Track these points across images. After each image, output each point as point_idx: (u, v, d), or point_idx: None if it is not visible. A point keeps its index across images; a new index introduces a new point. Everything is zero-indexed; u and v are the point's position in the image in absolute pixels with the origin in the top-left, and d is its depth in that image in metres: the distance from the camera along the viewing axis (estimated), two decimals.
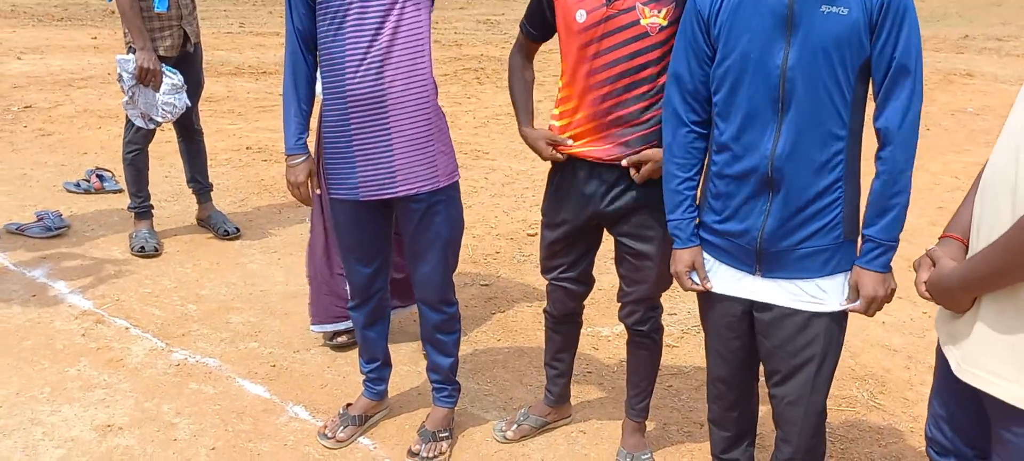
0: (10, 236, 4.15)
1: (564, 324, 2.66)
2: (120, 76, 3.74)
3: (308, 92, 2.50)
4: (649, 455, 2.66)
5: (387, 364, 2.83)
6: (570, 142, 2.35)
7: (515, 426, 2.78)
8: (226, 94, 7.51)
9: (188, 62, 3.97)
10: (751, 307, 2.03)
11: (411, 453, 2.62)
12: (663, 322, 2.54)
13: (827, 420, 2.11)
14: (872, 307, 1.92)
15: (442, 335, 2.68)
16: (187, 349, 3.23)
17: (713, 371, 2.20)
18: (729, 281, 2.04)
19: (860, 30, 1.76)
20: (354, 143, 2.42)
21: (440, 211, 2.51)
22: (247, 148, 5.94)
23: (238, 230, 4.34)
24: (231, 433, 2.72)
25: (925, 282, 1.67)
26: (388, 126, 2.40)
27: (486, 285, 3.93)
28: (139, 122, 3.84)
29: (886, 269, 1.90)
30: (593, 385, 3.12)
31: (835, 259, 1.92)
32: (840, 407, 3.00)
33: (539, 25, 2.42)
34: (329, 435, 2.70)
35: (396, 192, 2.44)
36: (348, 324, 3.20)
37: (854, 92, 1.81)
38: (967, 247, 1.66)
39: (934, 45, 11.63)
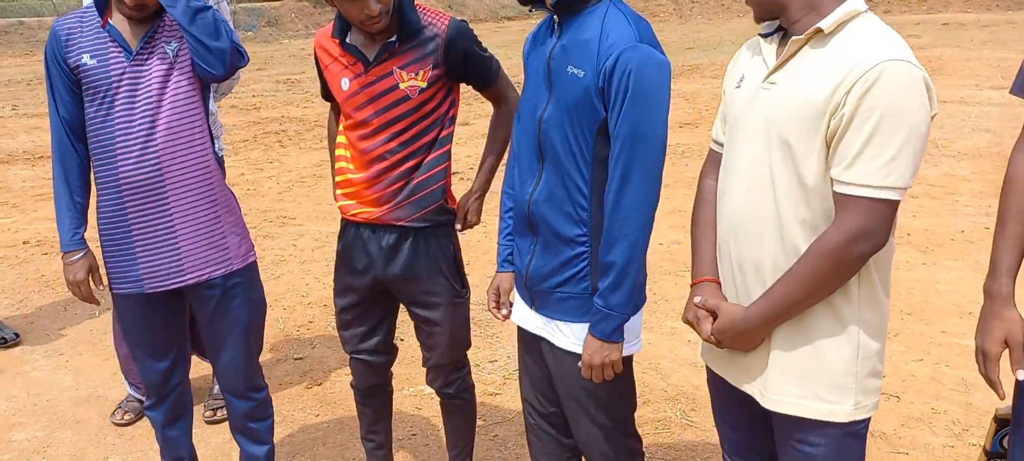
0: None
1: (372, 397, 2.59)
2: None
3: (81, 183, 2.33)
4: None
5: None
6: (349, 203, 2.35)
7: None
8: None
9: None
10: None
11: None
12: (478, 375, 2.54)
13: (643, 446, 2.15)
14: (587, 370, 1.88)
15: (254, 423, 2.55)
16: None
17: (521, 391, 2.21)
18: (519, 309, 2.09)
19: (592, 95, 1.76)
20: (133, 232, 2.27)
21: (237, 294, 2.39)
22: (24, 243, 5.43)
23: (17, 336, 3.94)
24: None
25: (714, 331, 1.69)
26: (169, 211, 2.27)
27: (300, 359, 3.78)
28: None
29: (606, 336, 1.82)
30: (420, 446, 3.06)
31: (586, 309, 1.89)
32: (656, 430, 3.11)
33: (328, 92, 2.39)
34: None
35: (185, 280, 2.31)
36: None
37: (594, 152, 1.81)
38: (720, 286, 1.73)
39: (713, 72, 12.55)
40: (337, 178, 2.39)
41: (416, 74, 2.21)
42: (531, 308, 2.03)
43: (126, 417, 3.23)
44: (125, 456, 3.03)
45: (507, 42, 15.42)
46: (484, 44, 2.35)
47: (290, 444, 3.09)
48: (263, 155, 7.89)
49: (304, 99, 10.99)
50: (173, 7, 2.15)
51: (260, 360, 2.54)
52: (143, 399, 3.07)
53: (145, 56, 2.23)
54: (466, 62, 2.27)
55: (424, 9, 2.27)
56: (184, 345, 2.53)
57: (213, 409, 3.24)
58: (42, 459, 3.00)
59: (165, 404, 2.52)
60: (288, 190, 6.68)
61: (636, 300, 1.85)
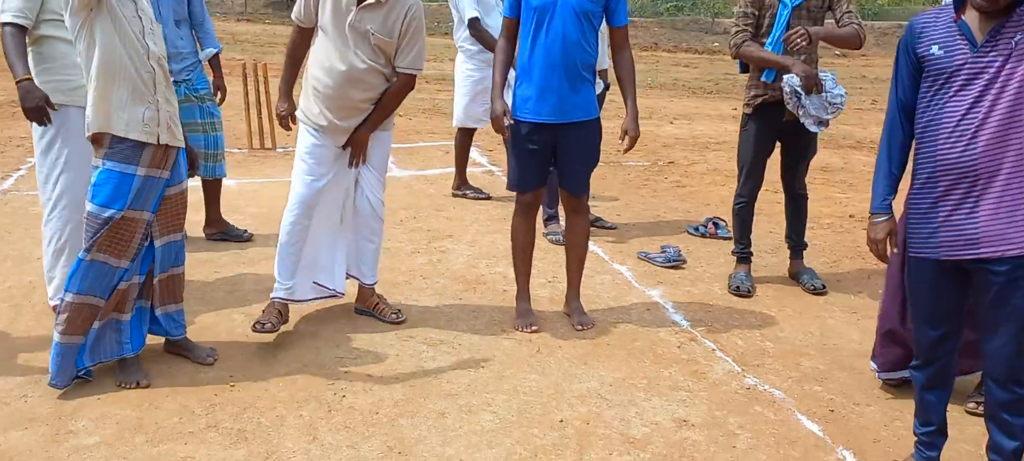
0: (639, 261, 5.10)
1: None
2: (787, 94, 4.22)
3: (901, 158, 2.73)
4: None
5: (943, 433, 2.84)
6: None
7: None
8: (841, 166, 7.83)
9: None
10: None
11: None
12: None
13: None
14: None
15: (1008, 415, 2.62)
16: (758, 378, 3.64)
17: None
18: None
19: None
20: (938, 206, 2.57)
21: (1022, 285, 2.49)
22: (850, 216, 6.16)
23: (824, 286, 4.62)
24: (782, 455, 3.05)
25: None
26: (976, 193, 2.50)
27: None
28: (813, 128, 4.31)
29: None
30: None
31: None
32: None
33: None
34: None
35: (979, 253, 2.51)
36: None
37: None
38: None
39: None
40: None
41: None
42: None
43: None
44: (886, 405, 3.37)
45: None
46: None
47: None
48: None
49: None
50: None
51: None
52: None
53: (988, 49, 2.47)
54: None
55: None
56: (960, 322, 2.73)
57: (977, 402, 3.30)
58: (818, 385, 3.58)
59: (930, 369, 2.78)
60: None
61: None
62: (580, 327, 4.07)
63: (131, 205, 3.25)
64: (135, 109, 3.19)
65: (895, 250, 2.80)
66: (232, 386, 3.44)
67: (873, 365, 3.57)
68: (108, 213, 3.20)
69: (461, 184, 6.43)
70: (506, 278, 4.70)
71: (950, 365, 2.79)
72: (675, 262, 5.04)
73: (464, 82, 6.11)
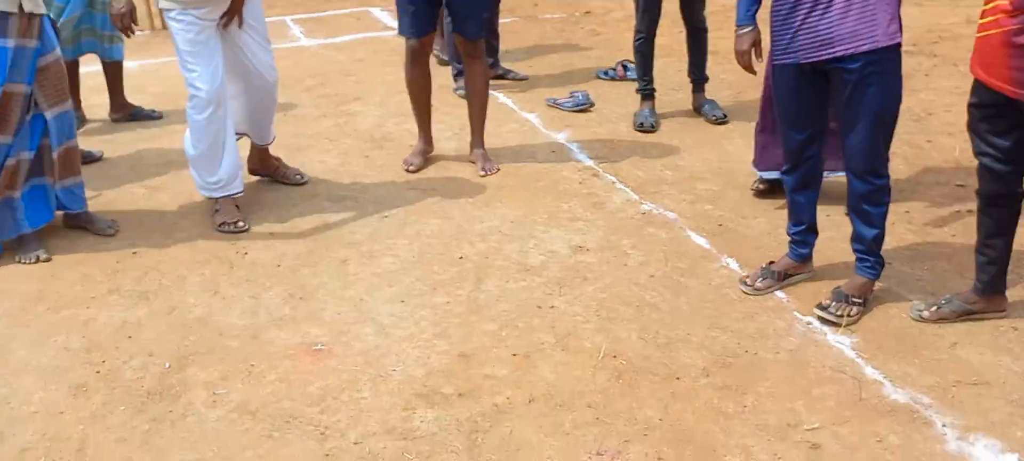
0: (548, 109, 5.14)
1: (994, 206, 2.54)
2: None
3: None
4: None
5: (813, 230, 3.00)
6: None
7: (935, 307, 2.74)
8: None
9: None
10: None
11: (820, 306, 2.79)
12: None
13: None
14: None
15: (868, 206, 2.76)
16: (654, 203, 3.77)
17: None
18: None
19: None
20: (796, 11, 2.64)
21: (873, 81, 2.58)
22: None
23: (726, 115, 4.74)
24: (669, 267, 3.19)
25: None
26: None
27: (961, 186, 3.72)
28: None
29: None
30: None
31: None
32: None
33: None
34: (748, 283, 3.00)
35: (833, 52, 2.60)
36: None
37: None
38: None
39: None
40: None
41: None
42: None
43: None
44: (769, 216, 3.53)
45: None
46: None
47: (913, 249, 3.19)
48: None
49: None
50: None
51: None
52: None
53: None
54: None
55: None
56: (823, 124, 2.85)
57: None
58: (709, 205, 3.72)
59: (798, 171, 2.91)
60: None
61: None
62: (484, 172, 4.13)
63: (10, 79, 3.17)
64: None
65: (761, 59, 2.88)
66: (134, 253, 3.46)
67: (754, 169, 3.72)
68: None
69: None
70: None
71: (817, 167, 2.92)
72: (583, 106, 5.09)
73: None
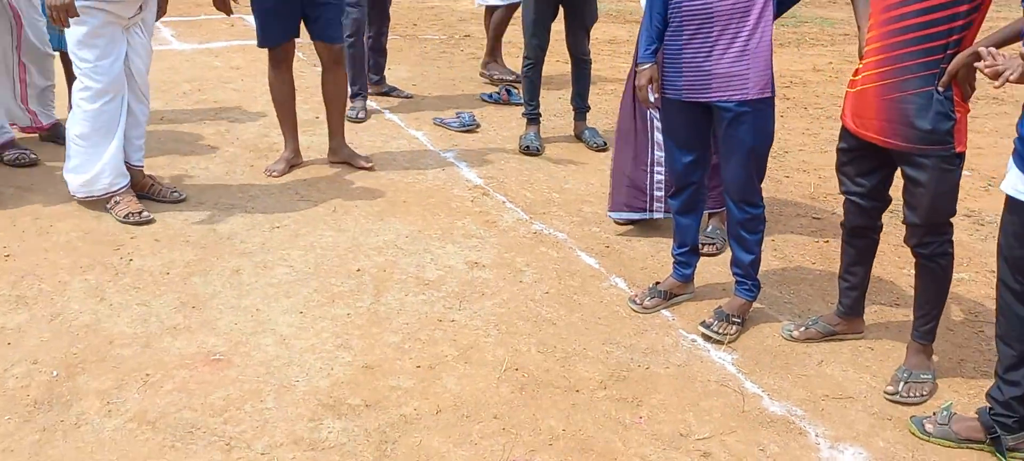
0: (435, 128, 5.22)
1: (857, 238, 2.82)
2: None
3: (663, 9, 2.96)
4: (930, 377, 2.72)
5: (695, 252, 3.22)
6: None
7: (803, 328, 3.00)
8: (627, 38, 8.25)
9: None
10: None
11: (703, 324, 3.00)
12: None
13: None
14: None
15: (745, 233, 3.00)
16: (544, 223, 3.91)
17: None
18: None
19: None
20: (684, 51, 2.85)
21: (746, 121, 2.83)
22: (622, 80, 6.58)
23: (605, 143, 4.97)
24: (562, 285, 3.33)
25: None
26: (712, 39, 2.79)
27: (817, 219, 4.08)
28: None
29: None
30: (893, 307, 3.20)
31: None
32: None
33: None
34: (637, 301, 3.18)
35: (710, 98, 2.82)
36: (639, 215, 3.79)
37: None
38: None
39: None
40: None
41: None
42: None
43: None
44: (653, 238, 3.75)
45: None
46: None
47: (781, 275, 3.49)
48: None
49: None
50: None
51: None
52: None
53: None
54: None
55: None
56: (706, 150, 3.07)
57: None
58: (597, 227, 3.90)
59: (683, 195, 3.12)
60: None
61: None
62: (368, 165, 4.33)
63: None
64: None
65: (658, 95, 3.08)
66: (7, 257, 3.26)
67: (609, 215, 3.92)
68: None
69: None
70: (300, 144, 4.67)
71: (701, 191, 3.15)
72: (469, 127, 5.20)
73: None
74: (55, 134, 4.45)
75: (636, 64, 3.34)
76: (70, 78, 4.79)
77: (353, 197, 4.07)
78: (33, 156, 4.19)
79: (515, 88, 5.95)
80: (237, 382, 2.60)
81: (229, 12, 3.97)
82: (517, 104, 5.78)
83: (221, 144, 4.66)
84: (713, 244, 3.65)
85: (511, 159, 4.75)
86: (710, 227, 3.74)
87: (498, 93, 5.89)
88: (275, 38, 4.09)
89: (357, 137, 4.71)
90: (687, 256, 3.20)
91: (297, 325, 2.94)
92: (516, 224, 3.89)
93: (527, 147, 4.84)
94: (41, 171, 4.07)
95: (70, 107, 3.68)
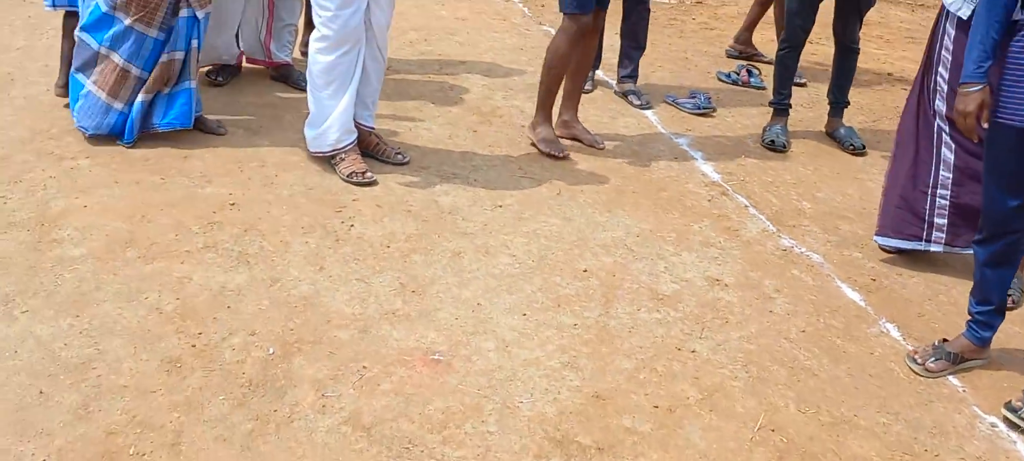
0: (666, 106, 4.77)
1: None
2: None
3: (1004, 16, 2.39)
4: None
5: (1001, 313, 2.64)
6: None
7: None
8: (878, 21, 7.36)
9: None
10: None
11: (1009, 407, 2.43)
12: None
13: None
14: None
15: None
16: (794, 239, 3.41)
17: None
18: None
19: None
20: None
21: None
22: (888, 74, 5.80)
23: (864, 146, 4.34)
24: (822, 324, 2.84)
25: None
26: None
27: None
28: None
29: None
30: None
31: None
32: None
33: None
34: (918, 361, 2.65)
35: None
36: (913, 245, 3.21)
37: None
38: None
39: None
40: None
41: None
42: None
43: None
44: (930, 277, 3.16)
45: None
46: None
47: None
48: None
49: None
50: None
51: None
52: None
53: None
54: None
55: None
56: None
57: None
58: (858, 252, 3.35)
59: (996, 244, 2.55)
60: None
61: None
62: (599, 144, 4.04)
63: None
64: None
65: (986, 125, 2.49)
66: (232, 205, 3.17)
67: (875, 239, 3.33)
68: None
69: None
70: (523, 112, 4.38)
71: (1020, 241, 2.55)
72: (705, 109, 4.71)
73: None
74: (285, 74, 4.39)
75: (931, 71, 2.77)
76: (310, 24, 4.77)
77: (579, 180, 3.72)
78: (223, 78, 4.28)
79: (756, 68, 5.37)
80: (457, 393, 2.34)
81: None
82: (758, 88, 5.21)
83: (444, 102, 4.44)
84: (1011, 296, 3.02)
85: (752, 153, 4.23)
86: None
87: (736, 73, 5.33)
88: (584, 3, 3.66)
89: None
90: (990, 316, 2.62)
91: (519, 330, 2.64)
92: (761, 236, 3.41)
93: (772, 142, 4.30)
94: (270, 114, 4.00)
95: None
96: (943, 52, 3.07)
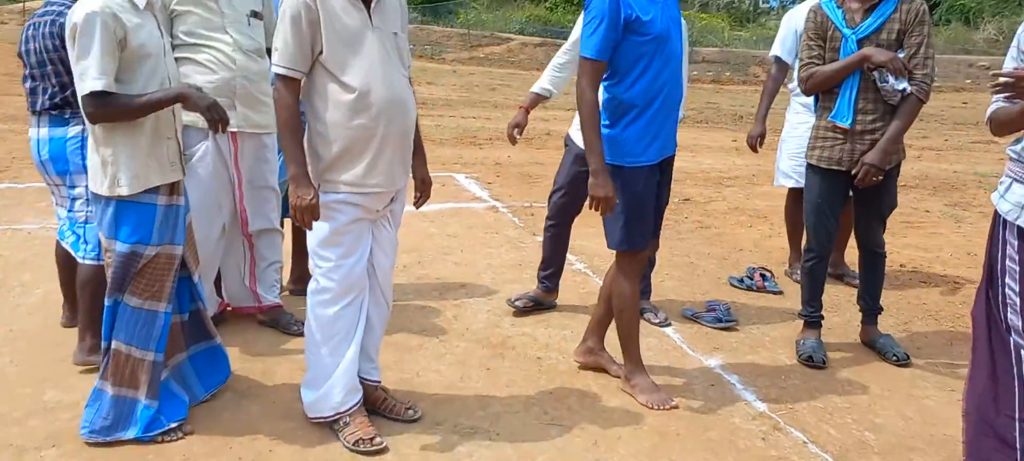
0: (685, 320, 4.44)
1: None
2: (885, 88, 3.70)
3: None
4: None
5: None
6: None
7: None
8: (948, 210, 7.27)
9: None
10: None
11: None
12: None
13: None
14: None
15: None
16: None
17: None
18: None
19: None
20: None
21: None
22: (901, 266, 5.58)
23: (908, 356, 4.00)
24: None
25: None
26: None
27: None
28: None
29: None
30: None
31: None
32: None
33: None
34: None
35: None
36: None
37: None
38: None
39: None
40: None
41: None
42: None
43: None
44: None
45: None
46: None
47: None
48: None
49: None
50: None
51: None
52: None
53: None
54: None
55: None
56: None
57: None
58: None
59: None
60: None
61: None
62: (655, 406, 3.46)
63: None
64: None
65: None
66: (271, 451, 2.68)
67: None
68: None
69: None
70: (536, 341, 4.02)
71: None
72: (727, 323, 4.38)
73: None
74: (275, 318, 4.00)
75: (995, 283, 2.47)
76: (298, 254, 4.45)
77: (613, 422, 3.30)
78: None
79: (769, 271, 5.12)
80: None
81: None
82: (774, 292, 4.93)
83: (450, 336, 4.06)
84: None
85: (792, 373, 3.86)
86: None
87: (750, 278, 5.06)
88: (642, 238, 3.39)
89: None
90: None
91: None
92: None
93: (809, 358, 3.95)
94: (260, 370, 3.58)
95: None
96: (1007, 262, 2.79)
